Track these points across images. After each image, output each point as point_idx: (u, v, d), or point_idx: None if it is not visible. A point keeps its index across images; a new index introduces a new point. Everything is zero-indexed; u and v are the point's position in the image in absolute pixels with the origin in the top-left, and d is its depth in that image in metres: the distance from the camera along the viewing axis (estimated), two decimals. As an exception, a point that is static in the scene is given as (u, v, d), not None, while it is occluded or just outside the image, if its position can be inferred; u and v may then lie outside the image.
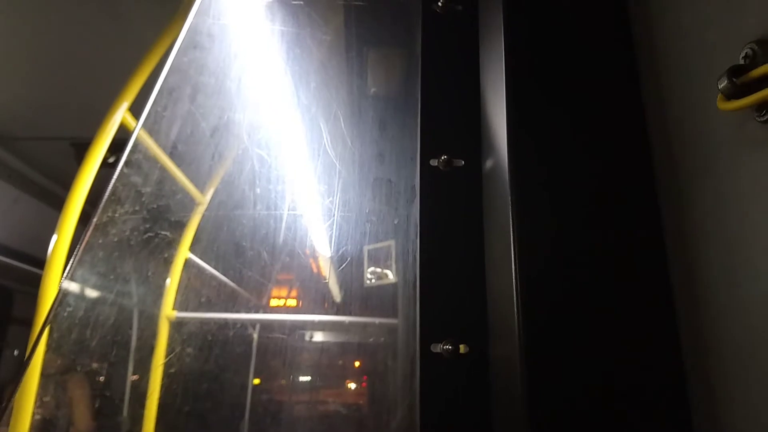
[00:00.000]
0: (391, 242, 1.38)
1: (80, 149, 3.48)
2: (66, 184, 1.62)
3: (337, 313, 1.59)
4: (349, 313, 1.55)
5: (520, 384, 0.75)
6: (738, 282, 0.67)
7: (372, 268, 1.44)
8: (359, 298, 1.50)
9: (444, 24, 1.19)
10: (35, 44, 2.86)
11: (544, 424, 0.73)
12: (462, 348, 0.95)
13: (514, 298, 0.79)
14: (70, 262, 1.33)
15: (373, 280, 1.46)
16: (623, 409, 0.74)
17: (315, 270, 1.59)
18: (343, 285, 1.49)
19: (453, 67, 1.16)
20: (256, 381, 1.75)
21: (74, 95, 3.23)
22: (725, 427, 0.68)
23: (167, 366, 1.61)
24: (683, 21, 0.81)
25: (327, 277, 1.53)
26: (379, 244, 1.39)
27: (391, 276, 1.43)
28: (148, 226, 1.49)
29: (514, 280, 0.79)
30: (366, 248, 1.41)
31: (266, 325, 1.76)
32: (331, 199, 1.37)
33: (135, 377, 1.66)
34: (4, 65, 3.00)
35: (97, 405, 1.64)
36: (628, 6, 0.96)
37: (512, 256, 0.81)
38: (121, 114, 1.60)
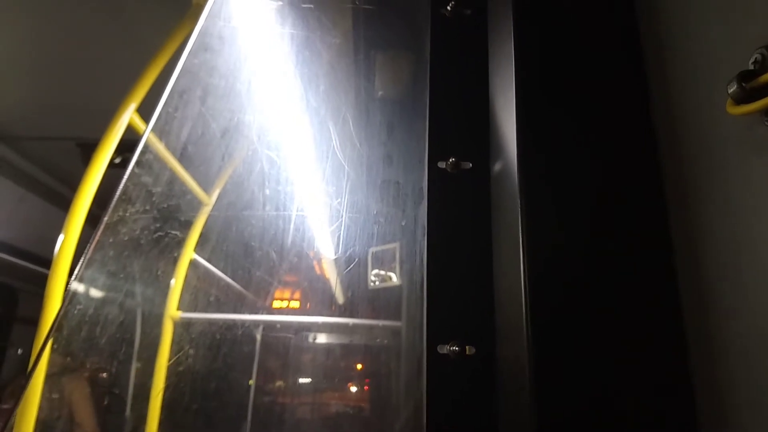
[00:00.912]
0: (396, 245, 1.38)
1: (86, 150, 3.49)
2: (72, 184, 1.63)
3: (341, 315, 1.59)
4: (353, 316, 1.55)
5: (528, 385, 0.76)
6: (745, 283, 0.68)
7: (376, 271, 1.44)
8: (363, 300, 1.51)
9: (452, 28, 1.20)
10: (42, 44, 2.87)
11: (551, 426, 0.74)
12: (468, 349, 0.95)
13: (523, 300, 0.79)
14: (80, 262, 1.34)
15: (377, 283, 1.46)
16: (630, 410, 0.75)
17: (321, 272, 1.60)
18: (349, 287, 1.50)
19: (461, 70, 1.17)
20: (259, 382, 1.76)
21: (80, 96, 3.24)
22: (731, 428, 0.68)
23: (173, 365, 1.61)
24: (691, 25, 0.82)
25: (334, 279, 1.53)
26: (383, 247, 1.39)
27: (395, 278, 1.43)
28: (158, 225, 1.50)
29: (522, 282, 0.80)
30: (371, 250, 1.41)
31: (270, 327, 1.76)
32: (339, 200, 1.38)
33: (136, 370, 1.66)
34: (11, 65, 3.01)
35: (105, 403, 1.65)
36: (636, 11, 0.97)
37: (521, 258, 0.81)
38: (128, 115, 1.61)
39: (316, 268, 1.59)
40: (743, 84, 0.63)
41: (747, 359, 0.67)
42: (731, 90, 0.65)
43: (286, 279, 1.64)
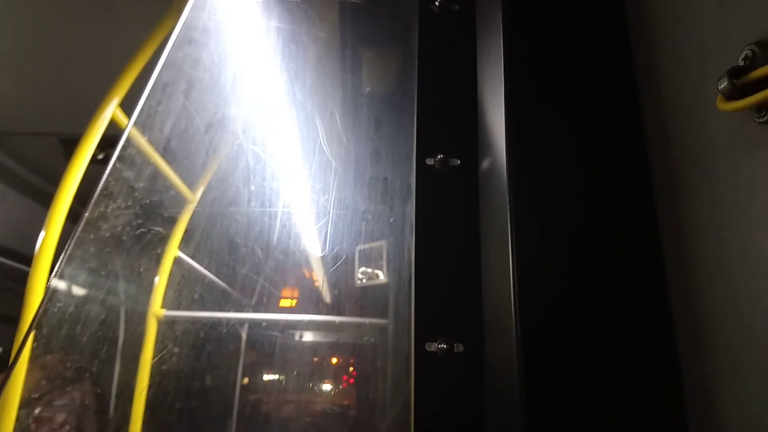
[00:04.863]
0: (383, 242, 1.37)
1: (68, 145, 3.44)
2: (53, 180, 1.60)
3: (328, 313, 1.58)
4: (340, 313, 1.55)
5: (517, 383, 0.75)
6: (734, 282, 0.68)
7: (363, 269, 1.44)
8: (350, 298, 1.50)
9: (440, 23, 1.19)
10: (23, 38, 2.82)
11: (539, 424, 0.73)
12: (456, 347, 0.95)
13: (512, 298, 0.79)
14: (60, 259, 1.32)
15: (363, 281, 1.46)
16: (619, 409, 0.74)
17: (308, 269, 1.58)
18: (336, 285, 1.49)
19: (449, 66, 1.16)
20: (245, 380, 1.74)
21: (63, 90, 3.19)
22: (721, 427, 0.68)
23: (157, 364, 1.59)
24: (681, 20, 0.82)
25: (320, 277, 1.52)
26: (370, 245, 1.39)
27: (381, 276, 1.42)
28: (140, 221, 1.47)
29: (511, 279, 0.79)
30: (357, 248, 1.40)
31: (256, 325, 1.75)
32: (326, 197, 1.37)
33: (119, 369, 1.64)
34: (-8, 59, 2.96)
35: (87, 402, 1.62)
36: (626, 7, 0.97)
37: (510, 255, 0.81)
38: (111, 110, 1.58)
39: (303, 266, 1.58)
40: (734, 80, 0.63)
41: (736, 358, 0.66)
42: (721, 86, 0.64)
43: (272, 276, 1.62)
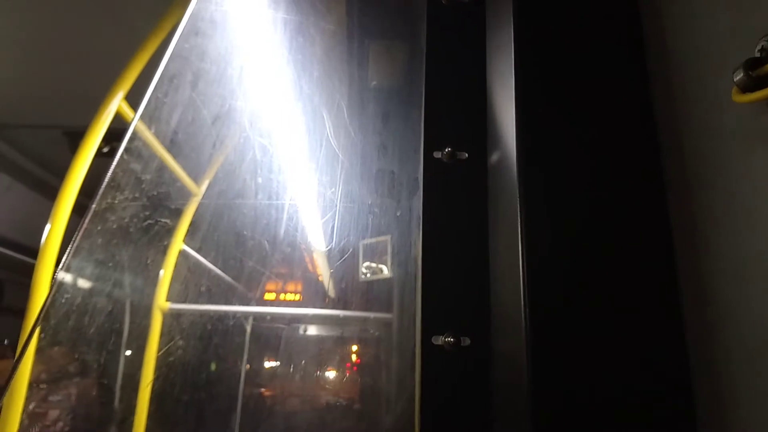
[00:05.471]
0: (387, 237, 1.37)
1: (74, 138, 3.45)
2: (59, 173, 1.60)
3: (332, 307, 1.58)
4: (345, 307, 1.54)
5: (525, 378, 0.75)
6: (746, 277, 0.67)
7: (367, 263, 1.43)
8: (355, 292, 1.49)
9: (449, 15, 1.18)
10: (29, 30, 2.82)
11: (547, 419, 0.73)
12: (463, 340, 0.94)
13: (521, 292, 0.78)
14: (67, 251, 1.32)
15: (368, 275, 1.45)
16: (628, 405, 0.74)
17: (313, 263, 1.58)
18: (342, 279, 1.49)
19: (457, 59, 1.15)
20: (250, 373, 1.75)
21: (68, 83, 3.19)
22: (731, 423, 0.68)
23: (163, 356, 1.60)
24: (696, 12, 0.81)
25: (326, 271, 1.52)
26: (375, 239, 1.38)
27: (386, 271, 1.42)
28: (147, 213, 1.47)
29: (521, 274, 0.79)
30: (362, 243, 1.40)
31: (261, 318, 1.75)
32: (333, 190, 1.36)
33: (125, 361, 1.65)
34: (-3, 52, 2.96)
35: (94, 393, 1.63)
36: (638, -1, 0.96)
37: (519, 249, 0.80)
38: (117, 103, 1.58)
39: (308, 259, 1.58)
40: (749, 72, 0.62)
41: (749, 353, 0.66)
42: (737, 78, 0.64)
43: (278, 270, 1.62)
